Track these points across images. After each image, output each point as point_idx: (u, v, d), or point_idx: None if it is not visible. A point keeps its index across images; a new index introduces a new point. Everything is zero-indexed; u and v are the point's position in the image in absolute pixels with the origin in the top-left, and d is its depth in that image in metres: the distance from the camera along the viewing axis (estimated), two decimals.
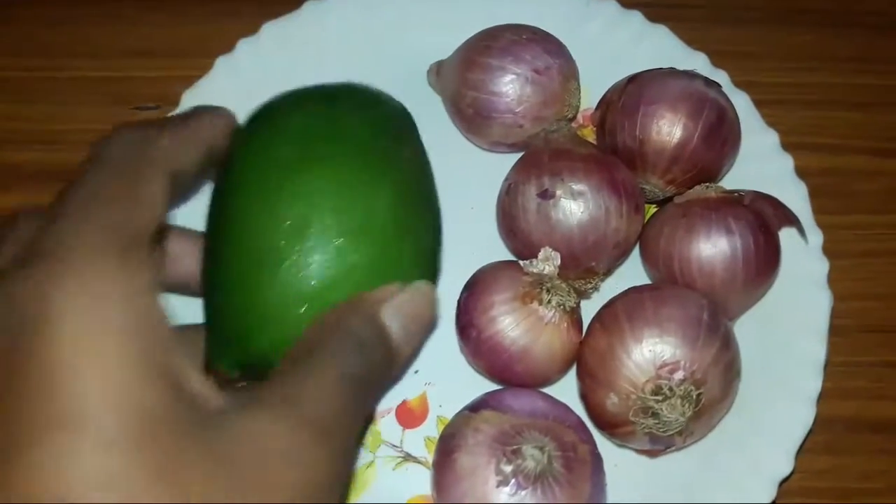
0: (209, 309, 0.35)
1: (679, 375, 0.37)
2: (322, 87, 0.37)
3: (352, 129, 0.34)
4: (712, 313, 0.39)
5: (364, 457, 0.42)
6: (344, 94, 0.37)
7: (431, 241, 0.36)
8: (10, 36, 0.54)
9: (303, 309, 0.31)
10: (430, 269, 0.36)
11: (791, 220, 0.45)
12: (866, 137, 0.53)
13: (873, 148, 0.53)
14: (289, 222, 0.32)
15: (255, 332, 0.32)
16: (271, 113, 0.36)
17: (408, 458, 0.42)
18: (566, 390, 0.42)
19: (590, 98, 0.49)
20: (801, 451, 0.41)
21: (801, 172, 0.47)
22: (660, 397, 0.37)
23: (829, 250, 0.45)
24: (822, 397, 0.42)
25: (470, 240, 0.45)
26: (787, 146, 0.48)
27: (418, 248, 0.35)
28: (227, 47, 0.50)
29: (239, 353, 0.33)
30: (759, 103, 0.49)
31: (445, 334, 0.43)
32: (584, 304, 0.43)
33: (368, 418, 0.42)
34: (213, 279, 0.34)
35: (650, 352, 0.38)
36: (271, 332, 0.32)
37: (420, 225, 0.35)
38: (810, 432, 0.41)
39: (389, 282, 0.32)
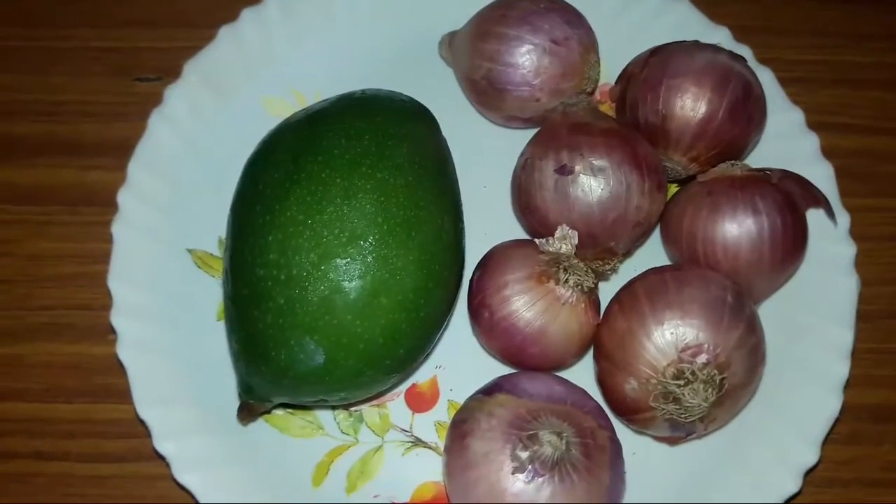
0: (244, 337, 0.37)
1: (702, 359, 0.36)
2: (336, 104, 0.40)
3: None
4: (737, 295, 0.37)
5: (372, 441, 0.41)
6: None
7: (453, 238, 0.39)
8: (12, 6, 0.53)
9: (340, 317, 0.36)
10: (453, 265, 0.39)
11: (819, 200, 0.43)
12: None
13: None
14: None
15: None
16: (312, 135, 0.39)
17: (418, 442, 0.41)
18: (583, 375, 0.40)
19: (607, 74, 0.47)
20: (825, 440, 0.40)
21: (828, 153, 0.45)
22: (681, 382, 0.36)
23: (856, 234, 0.44)
24: (848, 385, 0.41)
25: (483, 218, 0.43)
26: (812, 125, 0.46)
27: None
28: (232, 17, 0.48)
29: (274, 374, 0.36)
30: (783, 81, 0.47)
31: (457, 316, 0.42)
32: (600, 286, 0.41)
33: None
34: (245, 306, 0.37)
35: (672, 334, 0.36)
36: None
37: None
38: (835, 421, 0.40)
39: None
